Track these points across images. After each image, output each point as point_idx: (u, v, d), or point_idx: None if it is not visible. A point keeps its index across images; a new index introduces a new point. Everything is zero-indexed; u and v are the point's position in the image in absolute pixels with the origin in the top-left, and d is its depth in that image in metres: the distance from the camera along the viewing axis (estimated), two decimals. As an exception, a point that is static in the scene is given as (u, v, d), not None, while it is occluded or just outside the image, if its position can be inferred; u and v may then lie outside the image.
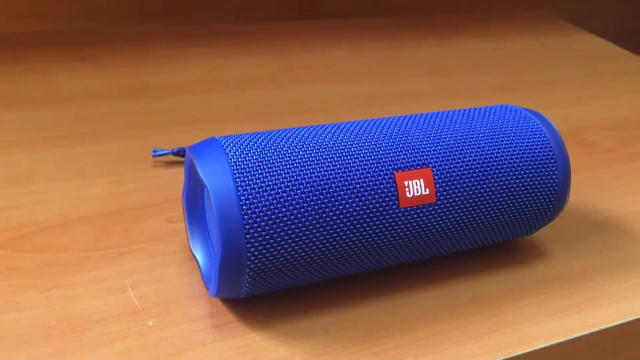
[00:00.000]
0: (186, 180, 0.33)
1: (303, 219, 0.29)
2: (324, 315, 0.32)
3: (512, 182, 0.33)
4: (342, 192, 0.30)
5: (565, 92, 0.65)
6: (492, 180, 0.33)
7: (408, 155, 0.32)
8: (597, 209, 0.44)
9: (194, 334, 0.30)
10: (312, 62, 0.66)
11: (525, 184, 0.34)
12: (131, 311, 0.31)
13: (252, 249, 0.28)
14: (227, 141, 0.30)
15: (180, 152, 0.44)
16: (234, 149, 0.29)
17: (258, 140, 0.30)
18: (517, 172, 0.33)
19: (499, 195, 0.33)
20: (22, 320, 0.30)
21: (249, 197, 0.28)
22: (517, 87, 0.65)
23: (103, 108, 0.51)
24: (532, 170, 0.34)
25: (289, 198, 0.29)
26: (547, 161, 0.34)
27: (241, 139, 0.30)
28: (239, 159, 0.29)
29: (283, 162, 0.29)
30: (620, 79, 0.70)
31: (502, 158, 0.33)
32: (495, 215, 0.33)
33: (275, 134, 0.31)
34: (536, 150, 0.34)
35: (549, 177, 0.34)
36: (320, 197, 0.29)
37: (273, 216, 0.28)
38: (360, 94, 0.59)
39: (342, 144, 0.31)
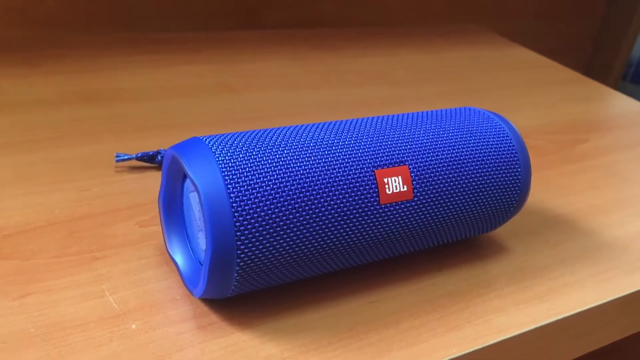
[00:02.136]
0: (163, 181, 0.33)
1: (290, 216, 0.29)
2: (307, 312, 0.33)
3: (480, 178, 0.35)
4: (327, 189, 0.30)
5: (504, 101, 0.68)
6: (464, 177, 0.34)
7: (386, 153, 0.33)
8: (546, 207, 0.46)
9: (180, 336, 0.30)
10: (263, 70, 0.66)
11: (493, 179, 0.35)
12: (112, 315, 0.30)
13: (242, 247, 0.28)
14: (211, 140, 0.30)
15: (145, 157, 0.43)
16: (220, 147, 0.29)
17: (242, 139, 0.30)
18: (485, 169, 0.35)
19: (469, 191, 0.35)
20: (-2, 328, 0.29)
21: (239, 195, 0.28)
22: (459, 96, 0.68)
23: (56, 114, 0.49)
24: (498, 167, 0.36)
25: (277, 195, 0.29)
26: (510, 159, 0.36)
27: (225, 138, 0.30)
28: (226, 158, 0.29)
29: (269, 161, 0.30)
30: (553, 88, 0.74)
31: (472, 156, 0.35)
32: (466, 210, 0.35)
33: (258, 133, 0.31)
34: (501, 149, 0.36)
35: (513, 173, 0.36)
36: (307, 194, 0.30)
37: (262, 213, 0.28)
38: (313, 101, 0.60)
39: (325, 142, 0.32)
